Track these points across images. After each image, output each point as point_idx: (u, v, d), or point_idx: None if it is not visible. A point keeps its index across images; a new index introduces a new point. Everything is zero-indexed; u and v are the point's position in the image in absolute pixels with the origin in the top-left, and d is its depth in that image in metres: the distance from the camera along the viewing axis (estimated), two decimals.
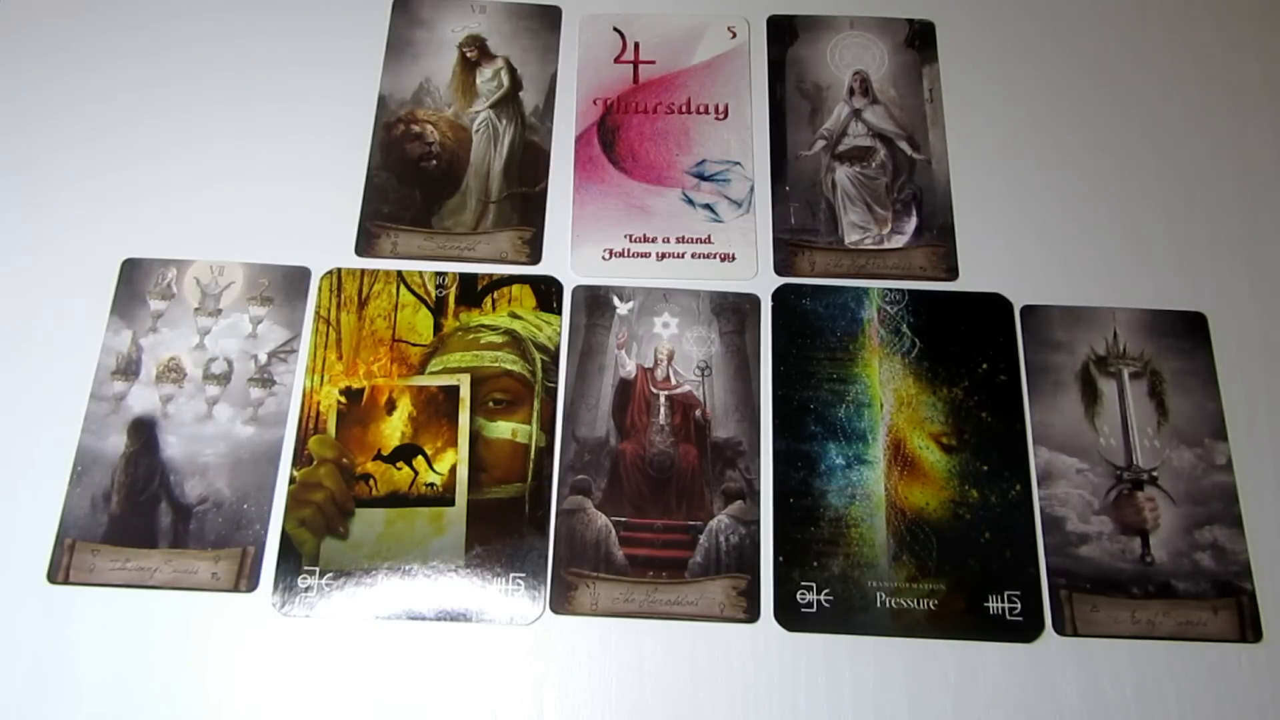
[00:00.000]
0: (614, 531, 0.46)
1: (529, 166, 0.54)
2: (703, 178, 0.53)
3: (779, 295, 0.51)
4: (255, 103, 0.55)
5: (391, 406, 0.48)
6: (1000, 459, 0.47)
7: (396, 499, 0.46)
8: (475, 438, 0.47)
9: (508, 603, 0.44)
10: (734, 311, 0.50)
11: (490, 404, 0.48)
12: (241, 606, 0.44)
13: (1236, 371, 0.49)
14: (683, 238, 0.52)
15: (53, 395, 0.47)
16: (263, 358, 0.49)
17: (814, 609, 0.44)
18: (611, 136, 0.54)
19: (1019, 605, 0.45)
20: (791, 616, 0.44)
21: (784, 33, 0.57)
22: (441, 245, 0.51)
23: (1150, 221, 0.53)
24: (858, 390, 0.49)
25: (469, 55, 0.56)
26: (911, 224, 0.53)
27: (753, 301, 0.50)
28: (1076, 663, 0.44)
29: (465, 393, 0.48)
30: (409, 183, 0.53)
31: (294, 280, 0.50)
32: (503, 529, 0.46)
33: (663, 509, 0.46)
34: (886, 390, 0.49)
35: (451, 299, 0.50)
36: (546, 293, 0.50)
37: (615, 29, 0.57)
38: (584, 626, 0.44)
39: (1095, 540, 0.46)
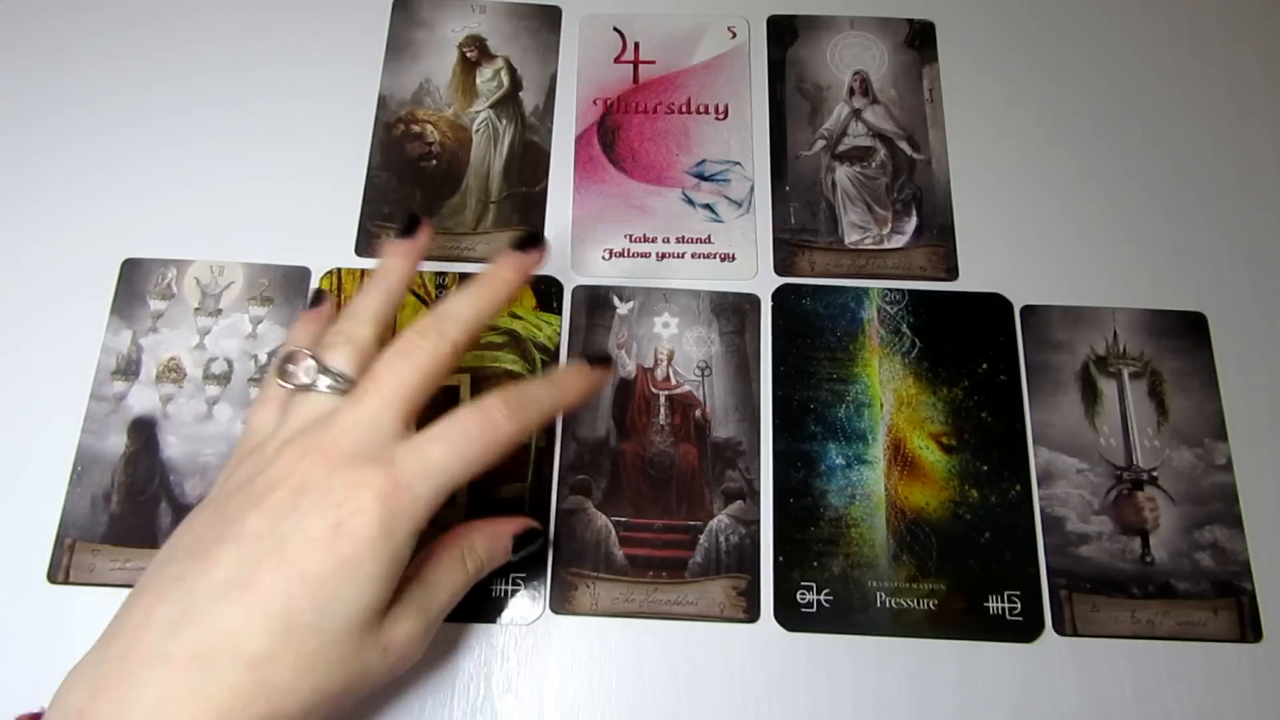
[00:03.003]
0: (614, 531, 0.46)
1: (529, 166, 0.54)
2: (703, 178, 0.53)
3: (779, 295, 0.51)
4: (255, 103, 0.55)
5: None
6: (1000, 459, 0.47)
7: None
8: None
9: (508, 603, 0.44)
10: (734, 311, 0.50)
11: None
12: None
13: (1236, 371, 0.49)
14: (683, 238, 0.52)
15: (53, 395, 0.47)
16: (263, 358, 0.49)
17: (814, 609, 0.44)
18: (611, 136, 0.54)
19: (1019, 605, 0.45)
20: (791, 616, 0.44)
21: (784, 33, 0.57)
22: (441, 245, 0.51)
23: (1150, 221, 0.53)
24: (858, 390, 0.49)
25: (469, 55, 0.56)
26: (911, 224, 0.53)
27: (753, 301, 0.50)
28: (1076, 663, 0.44)
29: (465, 393, 0.48)
30: (409, 183, 0.53)
31: (294, 280, 0.50)
32: None
33: (663, 509, 0.46)
34: (886, 390, 0.49)
35: None
36: (546, 293, 0.50)
37: (615, 29, 0.57)
38: (584, 626, 0.44)
39: (1095, 540, 0.46)
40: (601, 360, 0.40)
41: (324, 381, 0.35)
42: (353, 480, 0.32)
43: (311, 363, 0.36)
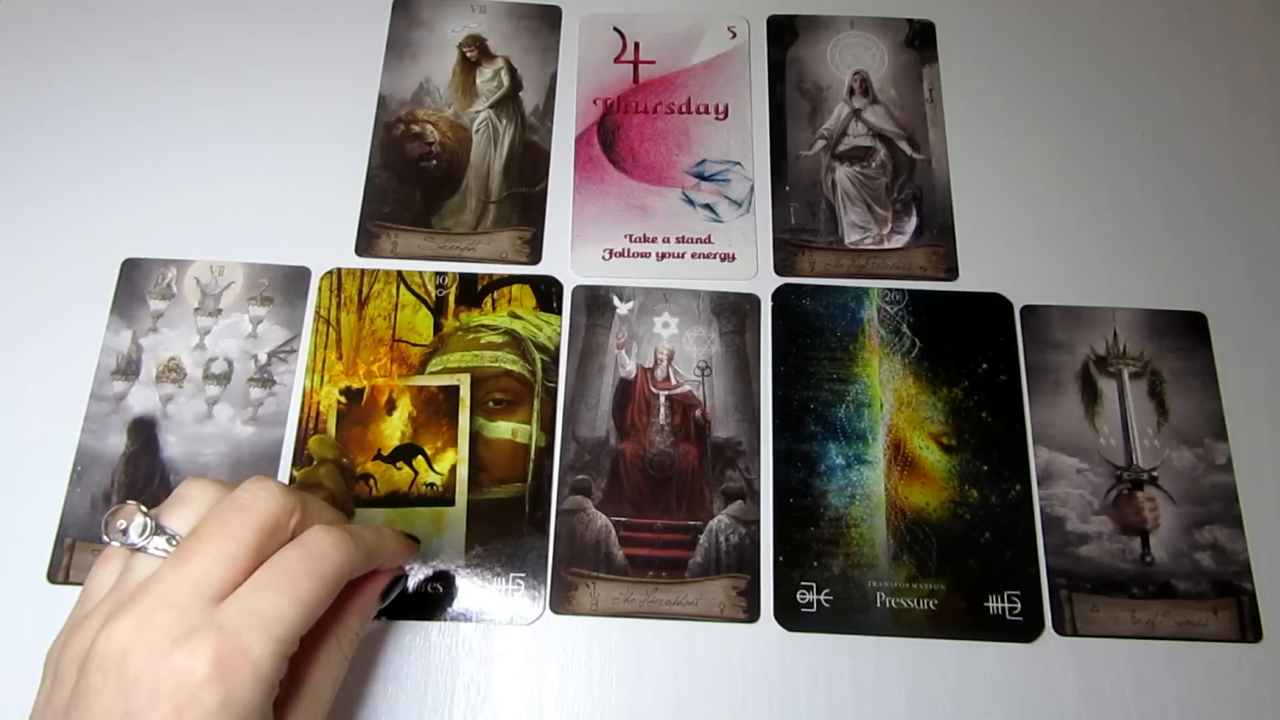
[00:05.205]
0: (614, 531, 0.46)
1: (529, 166, 0.54)
2: (703, 178, 0.53)
3: (779, 295, 0.51)
4: (255, 103, 0.55)
5: (391, 406, 0.48)
6: (1000, 459, 0.47)
7: (396, 499, 0.46)
8: (475, 438, 0.47)
9: (508, 603, 0.44)
10: (734, 311, 0.50)
11: (490, 404, 0.48)
12: None
13: (1236, 371, 0.49)
14: (683, 238, 0.52)
15: (53, 395, 0.48)
16: (263, 358, 0.49)
17: (814, 609, 0.44)
18: (611, 136, 0.54)
19: (1019, 605, 0.45)
20: (791, 616, 0.44)
21: (784, 33, 0.57)
22: (441, 245, 0.51)
23: (1150, 221, 0.53)
24: (858, 390, 0.49)
25: (469, 55, 0.56)
26: (911, 224, 0.53)
27: (753, 301, 0.50)
28: (1076, 663, 0.44)
29: (465, 393, 0.48)
30: (409, 183, 0.53)
31: (294, 280, 0.50)
32: (503, 529, 0.46)
33: (663, 509, 0.46)
34: (886, 390, 0.49)
35: (451, 299, 0.50)
36: (546, 293, 0.50)
37: (615, 29, 0.57)
38: (584, 626, 0.44)
39: (1095, 540, 0.46)
40: (416, 540, 0.41)
41: (156, 542, 0.32)
42: (179, 662, 0.29)
43: (142, 520, 0.33)
